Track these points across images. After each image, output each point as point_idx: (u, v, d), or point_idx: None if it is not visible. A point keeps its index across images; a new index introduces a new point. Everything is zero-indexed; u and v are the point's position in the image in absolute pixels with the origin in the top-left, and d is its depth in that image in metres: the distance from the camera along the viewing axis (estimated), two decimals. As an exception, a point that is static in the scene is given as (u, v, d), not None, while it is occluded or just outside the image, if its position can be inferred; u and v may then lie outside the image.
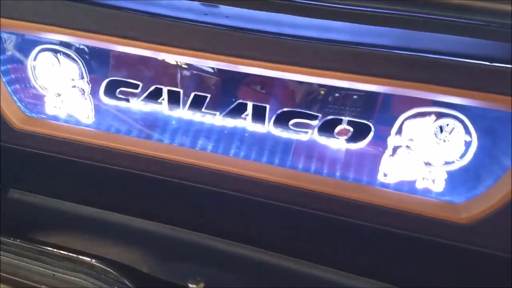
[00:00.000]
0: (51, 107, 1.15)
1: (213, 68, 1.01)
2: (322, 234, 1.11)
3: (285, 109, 0.99)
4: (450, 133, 0.90)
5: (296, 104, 0.99)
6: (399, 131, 0.93)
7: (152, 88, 1.05)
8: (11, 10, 1.03)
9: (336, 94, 0.94)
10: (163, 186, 1.14)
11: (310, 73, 0.90)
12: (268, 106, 0.99)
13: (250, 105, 1.00)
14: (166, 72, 1.06)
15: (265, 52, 0.91)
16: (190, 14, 0.92)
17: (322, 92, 0.96)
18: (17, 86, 1.17)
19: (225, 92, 1.04)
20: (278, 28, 0.88)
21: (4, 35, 1.12)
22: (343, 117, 0.94)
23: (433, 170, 0.94)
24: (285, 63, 0.90)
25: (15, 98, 1.17)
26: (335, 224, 1.03)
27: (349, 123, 0.94)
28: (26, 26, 1.03)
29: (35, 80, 1.13)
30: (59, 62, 1.09)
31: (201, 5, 0.87)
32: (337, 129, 0.95)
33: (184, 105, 1.05)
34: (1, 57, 1.14)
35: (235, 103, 1.01)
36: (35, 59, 1.11)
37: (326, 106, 0.96)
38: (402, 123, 0.92)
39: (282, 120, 0.99)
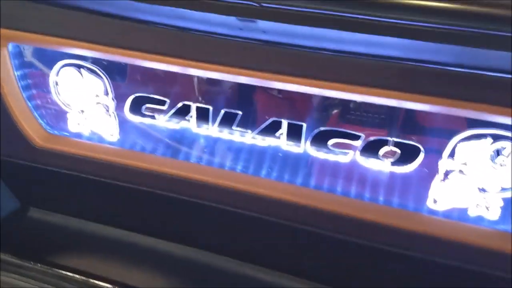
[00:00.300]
0: (74, 124, 1.10)
1: (246, 85, 0.95)
2: (365, 264, 1.04)
3: (323, 128, 0.92)
4: (507, 156, 0.82)
5: (336, 123, 0.91)
6: (452, 154, 0.85)
7: (180, 104, 0.99)
8: (31, 22, 0.98)
9: (382, 113, 0.87)
10: (190, 208, 1.08)
11: (354, 90, 0.83)
12: (305, 125, 0.92)
13: (285, 123, 0.94)
14: (195, 88, 1.00)
15: (303, 67, 0.84)
16: (223, 29, 0.86)
17: (366, 111, 0.88)
18: (39, 102, 1.12)
19: (258, 109, 0.97)
20: (320, 43, 0.81)
21: (25, 49, 1.07)
22: (389, 138, 0.87)
23: (488, 196, 0.86)
24: (326, 79, 0.83)
25: (36, 114, 1.12)
26: (379, 253, 0.96)
27: (396, 144, 0.87)
28: (48, 41, 0.98)
29: (57, 96, 1.08)
30: (82, 78, 1.03)
31: (237, 20, 0.81)
32: (382, 151, 0.88)
33: (214, 122, 0.98)
34: (22, 71, 1.09)
35: (269, 121, 0.95)
36: (57, 74, 1.05)
37: (370, 126, 0.89)
38: (455, 145, 0.84)
39: (320, 140, 0.92)
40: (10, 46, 1.05)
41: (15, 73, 1.08)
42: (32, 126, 1.11)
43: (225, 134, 0.99)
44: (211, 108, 0.98)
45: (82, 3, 0.91)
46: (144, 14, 0.89)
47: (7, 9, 0.99)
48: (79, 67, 1.03)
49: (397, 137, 0.87)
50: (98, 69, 1.02)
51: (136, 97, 1.02)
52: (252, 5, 0.77)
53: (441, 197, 0.89)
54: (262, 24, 0.80)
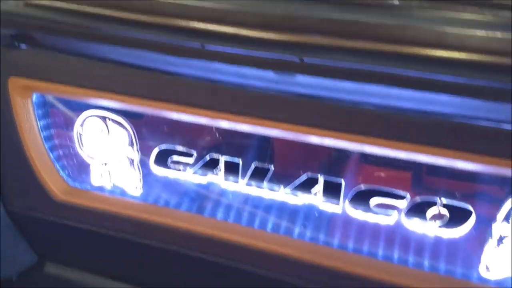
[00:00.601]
0: (96, 177, 1.05)
1: (278, 138, 0.90)
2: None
3: (364, 187, 0.86)
4: None
5: (378, 180, 0.85)
6: (507, 217, 0.78)
7: (207, 158, 0.95)
8: (56, 73, 0.96)
9: (429, 172, 0.81)
10: (219, 268, 1.01)
11: (400, 147, 0.77)
12: (343, 182, 0.87)
13: (321, 179, 0.88)
14: (223, 140, 0.96)
15: (344, 122, 0.80)
16: (257, 82, 0.82)
17: (412, 169, 0.82)
18: (61, 153, 1.08)
19: (292, 165, 0.92)
20: (363, 98, 0.76)
21: (50, 99, 1.04)
22: (437, 199, 0.81)
23: (548, 264, 0.79)
24: (369, 135, 0.78)
25: (57, 166, 1.07)
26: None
27: (445, 206, 0.80)
28: (74, 92, 0.95)
29: (80, 148, 1.04)
30: (107, 129, 1.00)
31: (273, 73, 0.76)
32: (429, 213, 0.81)
33: (243, 177, 0.93)
34: (45, 121, 1.06)
35: (304, 177, 0.89)
36: (82, 124, 1.02)
37: (416, 186, 0.82)
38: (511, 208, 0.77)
39: (360, 199, 0.86)
40: (34, 96, 1.02)
41: (38, 123, 1.04)
42: (53, 179, 1.07)
43: (255, 189, 0.94)
44: (240, 161, 0.93)
45: (111, 55, 0.89)
46: (176, 67, 0.85)
47: (32, 59, 0.97)
48: (104, 118, 0.99)
49: (445, 197, 0.80)
50: (124, 120, 0.99)
51: (161, 149, 0.98)
52: (293, 61, 0.72)
53: (495, 264, 0.81)
54: (302, 78, 0.76)
